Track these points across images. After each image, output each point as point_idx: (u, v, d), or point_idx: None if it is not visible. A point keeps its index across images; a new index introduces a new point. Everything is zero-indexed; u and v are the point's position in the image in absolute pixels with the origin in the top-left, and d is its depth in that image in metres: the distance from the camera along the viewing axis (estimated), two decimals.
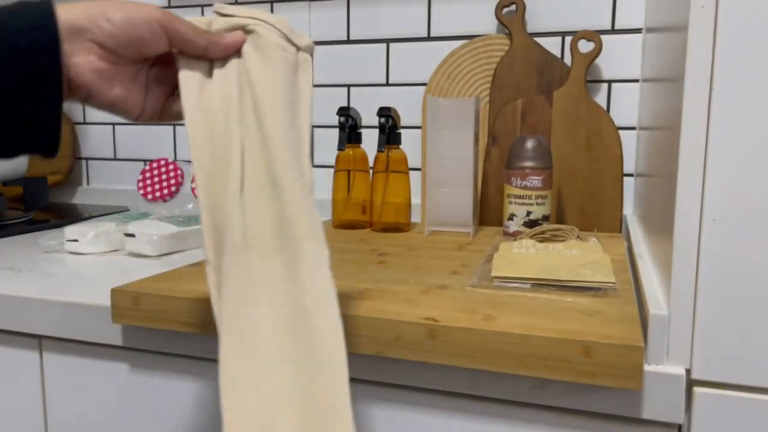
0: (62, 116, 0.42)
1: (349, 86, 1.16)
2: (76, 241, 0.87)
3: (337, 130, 1.13)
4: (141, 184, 1.09)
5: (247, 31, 0.47)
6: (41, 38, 0.39)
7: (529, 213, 0.87)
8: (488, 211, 1.01)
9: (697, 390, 0.50)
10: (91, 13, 0.41)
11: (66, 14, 0.40)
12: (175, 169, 1.09)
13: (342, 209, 1.00)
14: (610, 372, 0.48)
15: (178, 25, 0.44)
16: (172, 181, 1.08)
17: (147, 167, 1.11)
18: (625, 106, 1.01)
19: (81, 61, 0.42)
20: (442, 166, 0.92)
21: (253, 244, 0.40)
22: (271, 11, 1.18)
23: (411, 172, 1.00)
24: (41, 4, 0.40)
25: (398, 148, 0.96)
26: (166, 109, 0.50)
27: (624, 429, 0.52)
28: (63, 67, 0.40)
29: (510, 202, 0.88)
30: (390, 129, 0.95)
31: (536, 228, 0.85)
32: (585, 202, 0.96)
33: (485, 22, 1.06)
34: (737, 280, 0.48)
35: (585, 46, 0.96)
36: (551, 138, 0.97)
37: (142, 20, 0.42)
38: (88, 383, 0.69)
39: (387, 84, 1.13)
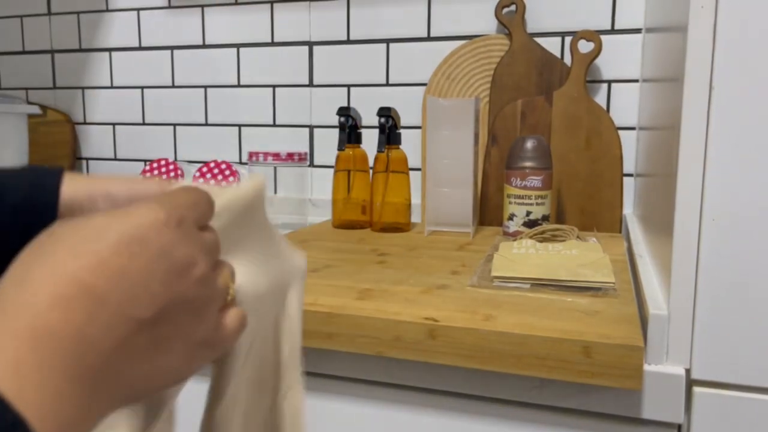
0: None
1: (349, 86, 1.16)
2: None
3: (337, 130, 1.13)
4: None
5: None
6: (40, 213, 0.34)
7: (528, 213, 0.87)
8: (488, 211, 1.01)
9: (697, 390, 0.50)
10: (92, 188, 0.35)
11: (70, 187, 0.35)
12: (176, 169, 1.09)
13: (342, 209, 1.00)
14: (609, 372, 0.48)
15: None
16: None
17: (147, 167, 1.11)
18: (625, 106, 1.01)
19: None
20: (442, 166, 0.92)
21: None
22: (272, 11, 1.18)
23: (411, 172, 1.00)
24: (50, 174, 0.35)
25: (398, 148, 0.96)
26: None
27: (624, 429, 0.52)
28: None
29: (510, 202, 0.88)
30: (390, 129, 0.95)
31: (536, 228, 0.85)
32: (585, 202, 0.96)
33: (485, 22, 1.06)
34: (737, 280, 0.48)
35: (585, 47, 0.96)
36: (551, 138, 0.97)
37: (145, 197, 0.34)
38: None
39: (387, 84, 1.13)
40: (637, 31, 0.99)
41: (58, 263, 0.24)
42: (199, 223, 0.29)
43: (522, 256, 0.70)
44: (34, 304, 0.23)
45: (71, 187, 0.35)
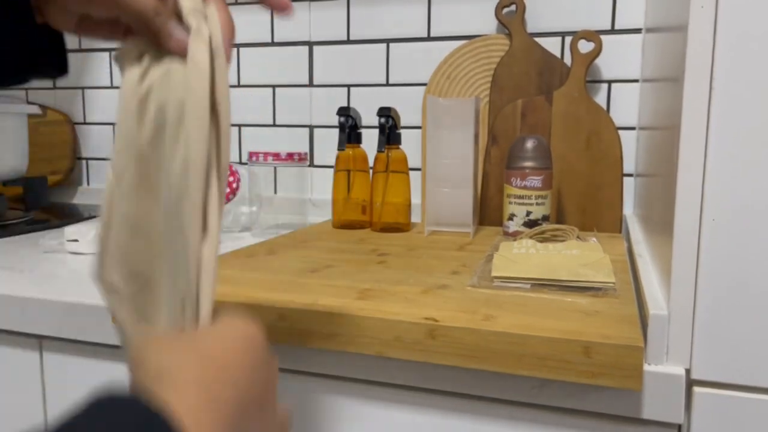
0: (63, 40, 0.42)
1: (349, 86, 1.16)
2: (76, 241, 0.87)
3: (337, 130, 1.13)
4: None
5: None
6: None
7: (528, 213, 0.87)
8: (488, 211, 1.01)
9: (697, 390, 0.50)
10: None
11: None
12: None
13: (342, 209, 1.00)
14: (610, 372, 0.48)
15: None
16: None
17: None
18: (625, 107, 1.01)
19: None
20: (442, 166, 0.92)
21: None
22: (271, 11, 1.18)
23: (411, 172, 1.00)
24: None
25: (398, 148, 0.96)
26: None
27: (624, 429, 0.52)
28: None
29: (510, 202, 0.88)
30: (390, 129, 0.95)
31: (536, 228, 0.85)
32: (585, 202, 0.96)
33: (485, 22, 1.06)
34: (737, 280, 0.48)
35: (585, 46, 0.96)
36: (551, 138, 0.97)
37: None
38: (88, 383, 0.69)
39: (387, 84, 1.13)
40: (638, 31, 0.99)
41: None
42: None
43: (522, 256, 0.70)
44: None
45: None
